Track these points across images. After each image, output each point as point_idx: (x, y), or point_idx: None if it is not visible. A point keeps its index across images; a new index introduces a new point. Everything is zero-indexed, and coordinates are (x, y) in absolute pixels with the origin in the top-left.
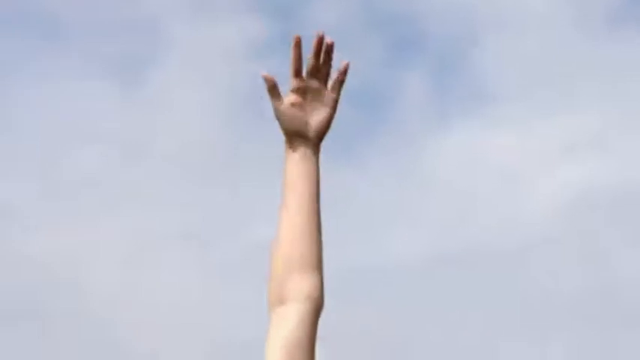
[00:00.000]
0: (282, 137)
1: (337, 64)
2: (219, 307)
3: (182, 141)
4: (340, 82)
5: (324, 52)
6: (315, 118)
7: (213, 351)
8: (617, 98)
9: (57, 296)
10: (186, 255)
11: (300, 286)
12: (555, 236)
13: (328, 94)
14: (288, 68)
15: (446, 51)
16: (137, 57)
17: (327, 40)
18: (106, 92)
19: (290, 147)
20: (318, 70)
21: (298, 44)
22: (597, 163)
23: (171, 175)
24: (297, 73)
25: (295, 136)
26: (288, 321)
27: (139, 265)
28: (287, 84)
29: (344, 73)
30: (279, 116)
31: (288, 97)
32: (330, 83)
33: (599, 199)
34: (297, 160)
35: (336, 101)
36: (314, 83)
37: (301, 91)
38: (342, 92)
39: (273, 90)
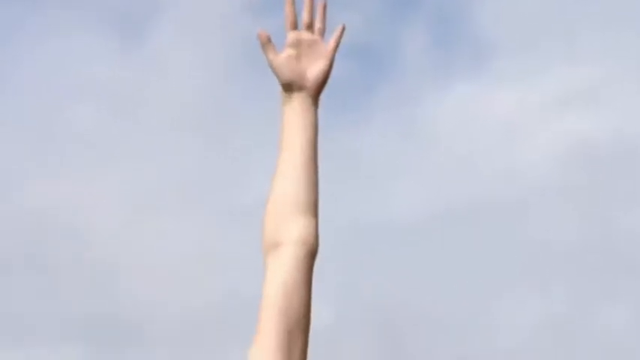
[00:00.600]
0: (279, 92)
1: (335, 23)
2: (218, 258)
3: (181, 96)
4: (336, 43)
5: (320, 9)
6: (312, 69)
7: (214, 301)
8: (618, 51)
9: (59, 246)
10: (186, 208)
11: (295, 229)
12: (555, 188)
13: (324, 47)
14: (284, 26)
15: (445, 5)
16: (136, 14)
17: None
18: (105, 48)
19: (288, 98)
20: (312, 25)
21: (291, 1)
22: (597, 115)
23: (169, 130)
24: (293, 26)
25: (293, 87)
26: (283, 264)
27: (139, 217)
28: (283, 42)
29: (340, 35)
30: (275, 69)
31: (285, 51)
32: (326, 43)
33: (598, 151)
34: (295, 109)
35: (332, 54)
36: (310, 36)
37: (297, 44)
38: (340, 49)
39: (268, 45)
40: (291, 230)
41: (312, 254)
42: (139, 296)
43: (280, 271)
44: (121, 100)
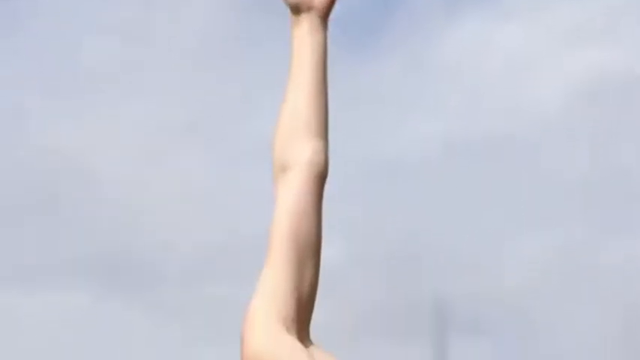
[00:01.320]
0: (289, 20)
1: None
2: (231, 195)
3: (194, 33)
4: None
5: None
6: None
7: (226, 238)
8: None
9: (72, 187)
10: (197, 144)
11: (305, 151)
12: (565, 122)
13: None
14: None
15: None
16: None
17: None
18: None
19: (297, 21)
20: None
21: None
22: (606, 50)
23: (181, 67)
24: None
25: (300, 8)
26: (292, 188)
27: (151, 156)
28: None
29: None
30: None
31: None
32: None
33: (607, 86)
34: (304, 31)
35: None
36: None
37: None
38: None
39: None
40: (301, 152)
41: (321, 177)
42: (153, 235)
43: (289, 195)
44: (134, 39)
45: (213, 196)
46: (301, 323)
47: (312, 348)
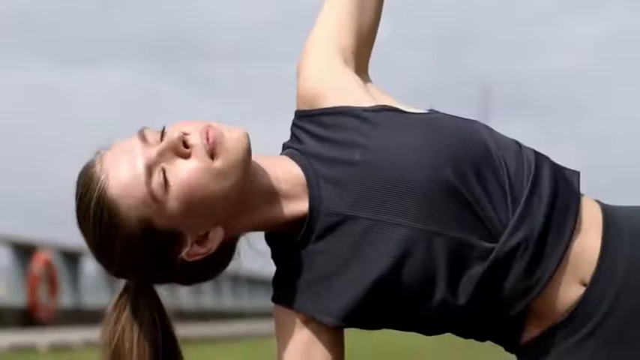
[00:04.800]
0: None
1: None
2: None
3: None
4: None
5: None
6: None
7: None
8: None
9: None
10: None
11: None
12: None
13: None
14: None
15: None
16: None
17: None
18: None
19: None
20: None
21: None
22: None
23: None
24: None
25: None
26: None
27: None
28: None
29: None
30: None
31: None
32: None
33: None
34: None
35: None
36: None
37: None
38: None
39: None
40: None
41: None
42: (203, 13)
43: None
44: None
45: None
46: (361, 57)
47: (369, 84)
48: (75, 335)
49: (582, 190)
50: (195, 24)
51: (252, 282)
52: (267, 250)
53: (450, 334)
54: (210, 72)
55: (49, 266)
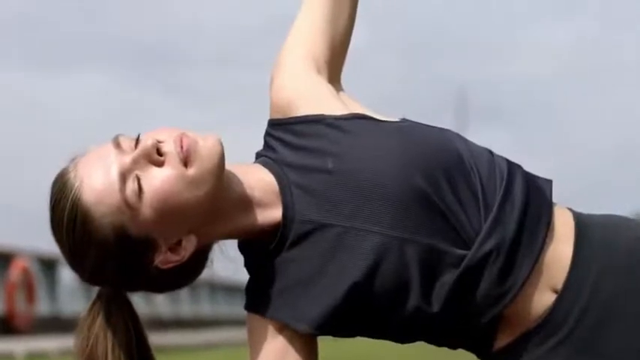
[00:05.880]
0: None
1: None
2: None
3: None
4: None
5: None
6: None
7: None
8: None
9: None
10: None
11: None
12: None
13: None
14: None
15: None
16: None
17: None
18: None
19: None
20: None
21: None
22: None
23: None
24: None
25: None
26: None
27: None
28: None
29: None
30: None
31: None
32: None
33: None
34: None
35: None
36: None
37: None
38: None
39: None
40: None
41: None
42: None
43: None
44: None
45: None
46: (334, 66)
47: (342, 93)
48: (52, 343)
49: (559, 197)
50: (179, 30)
51: (230, 289)
52: (239, 257)
53: (422, 342)
54: (192, 78)
55: (26, 274)
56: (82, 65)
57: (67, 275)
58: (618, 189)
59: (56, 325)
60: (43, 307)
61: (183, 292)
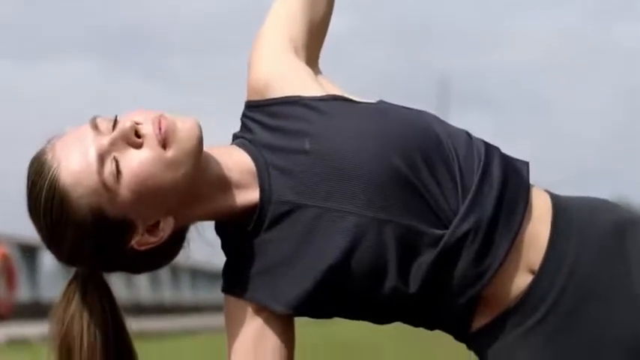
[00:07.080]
0: None
1: None
2: None
3: None
4: None
5: None
6: None
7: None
8: None
9: None
10: None
11: None
12: None
13: None
14: None
15: None
16: None
17: None
18: None
19: None
20: None
21: None
22: None
23: None
24: None
25: None
26: None
27: None
28: None
29: None
30: None
31: None
32: None
33: None
34: None
35: None
36: None
37: None
38: None
39: None
40: None
41: None
42: (165, 5)
43: None
44: None
45: None
46: (312, 48)
47: (320, 76)
48: (33, 329)
49: (544, 186)
50: (157, 16)
51: (211, 276)
52: (217, 240)
53: (405, 326)
54: (171, 65)
55: (6, 260)
56: (62, 53)
57: (47, 261)
58: (601, 173)
59: (37, 310)
60: (23, 293)
61: (165, 278)
